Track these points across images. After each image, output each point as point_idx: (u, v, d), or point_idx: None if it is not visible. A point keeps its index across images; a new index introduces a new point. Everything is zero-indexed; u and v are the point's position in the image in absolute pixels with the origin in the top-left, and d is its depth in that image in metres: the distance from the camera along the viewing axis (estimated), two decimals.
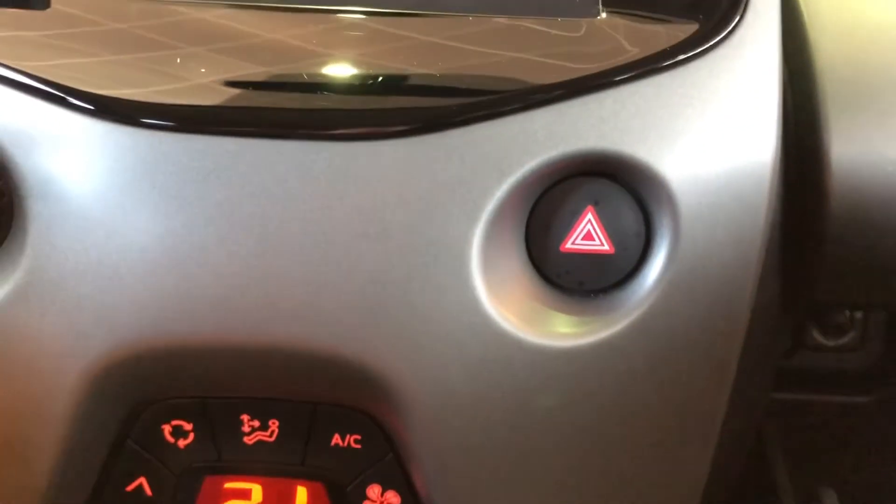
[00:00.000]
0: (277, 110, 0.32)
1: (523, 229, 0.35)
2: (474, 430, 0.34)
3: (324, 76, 0.33)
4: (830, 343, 0.65)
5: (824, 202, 0.42)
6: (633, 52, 0.34)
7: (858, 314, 0.65)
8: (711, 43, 0.34)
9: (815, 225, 0.43)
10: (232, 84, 0.32)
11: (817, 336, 0.65)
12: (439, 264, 0.32)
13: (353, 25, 0.34)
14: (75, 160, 0.32)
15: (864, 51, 0.43)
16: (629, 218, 0.35)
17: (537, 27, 0.34)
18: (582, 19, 0.35)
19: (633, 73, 0.33)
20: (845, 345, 0.65)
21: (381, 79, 0.33)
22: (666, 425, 0.37)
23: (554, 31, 0.34)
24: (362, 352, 0.32)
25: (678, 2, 0.35)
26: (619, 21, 0.35)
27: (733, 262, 0.35)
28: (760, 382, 0.54)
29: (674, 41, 0.34)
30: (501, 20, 0.35)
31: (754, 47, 0.34)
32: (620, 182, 0.35)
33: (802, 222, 0.44)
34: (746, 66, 0.34)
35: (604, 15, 0.35)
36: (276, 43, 0.33)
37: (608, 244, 0.35)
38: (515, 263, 0.34)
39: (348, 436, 0.36)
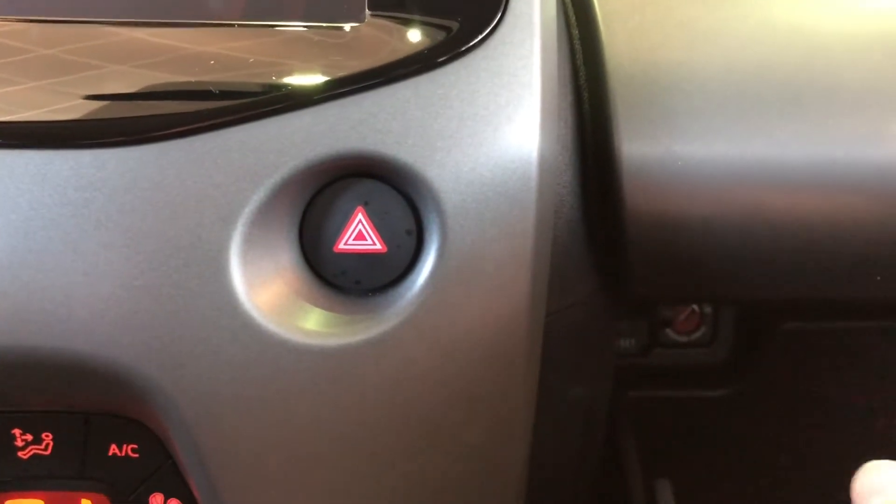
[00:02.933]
0: (18, 122, 0.32)
1: (296, 231, 0.35)
2: (244, 435, 0.34)
3: (69, 85, 0.33)
4: (682, 339, 0.67)
5: (620, 201, 0.43)
6: (393, 55, 0.35)
7: (708, 310, 0.66)
8: (468, 45, 0.35)
9: (616, 223, 0.44)
10: None
11: (670, 333, 0.67)
12: (192, 269, 0.32)
13: (102, 35, 0.34)
14: None
15: (654, 50, 0.44)
16: (399, 217, 0.35)
17: (301, 32, 0.35)
18: (347, 24, 0.35)
19: (390, 76, 0.34)
20: (697, 340, 0.67)
21: (127, 85, 0.33)
22: (457, 423, 0.38)
23: (316, 36, 0.35)
24: (119, 359, 0.32)
25: (442, 5, 0.36)
26: (383, 24, 0.35)
27: (506, 258, 0.36)
28: (596, 378, 0.55)
29: (432, 44, 0.35)
30: (265, 26, 0.35)
31: (513, 48, 0.35)
32: (388, 182, 0.35)
33: (605, 221, 0.45)
34: (505, 66, 0.35)
35: (369, 19, 0.35)
36: (18, 55, 0.33)
37: (380, 243, 0.35)
38: (286, 265, 0.35)
39: (125, 445, 0.35)
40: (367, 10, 0.35)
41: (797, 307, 0.57)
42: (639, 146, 0.43)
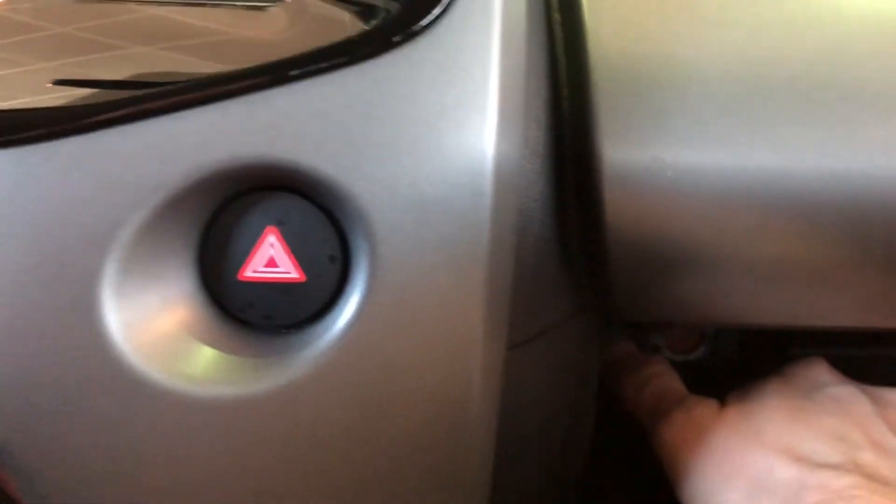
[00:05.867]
0: None
1: (194, 255, 0.29)
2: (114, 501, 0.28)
3: None
4: (679, 359, 0.61)
5: (600, 214, 0.37)
6: (315, 42, 0.28)
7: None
8: (410, 30, 0.28)
9: (595, 238, 0.38)
10: None
11: (666, 353, 0.60)
12: (53, 303, 0.26)
13: None
14: None
15: (647, 39, 0.38)
16: (320, 240, 0.29)
17: (199, 9, 0.28)
18: (264, 3, 0.29)
19: (311, 68, 0.28)
20: (694, 361, 0.60)
21: None
22: (395, 487, 0.32)
23: (220, 16, 0.28)
24: None
25: None
26: (306, 3, 0.29)
27: (452, 291, 0.29)
28: (576, 410, 0.49)
29: (364, 28, 0.28)
30: (166, 5, 0.29)
31: (466, 36, 0.29)
32: (307, 197, 0.29)
33: (583, 236, 0.39)
34: (456, 58, 0.29)
35: None
36: None
37: (297, 271, 0.29)
38: (178, 296, 0.29)
39: None
40: None
41: (808, 334, 0.50)
42: (624, 151, 0.36)
